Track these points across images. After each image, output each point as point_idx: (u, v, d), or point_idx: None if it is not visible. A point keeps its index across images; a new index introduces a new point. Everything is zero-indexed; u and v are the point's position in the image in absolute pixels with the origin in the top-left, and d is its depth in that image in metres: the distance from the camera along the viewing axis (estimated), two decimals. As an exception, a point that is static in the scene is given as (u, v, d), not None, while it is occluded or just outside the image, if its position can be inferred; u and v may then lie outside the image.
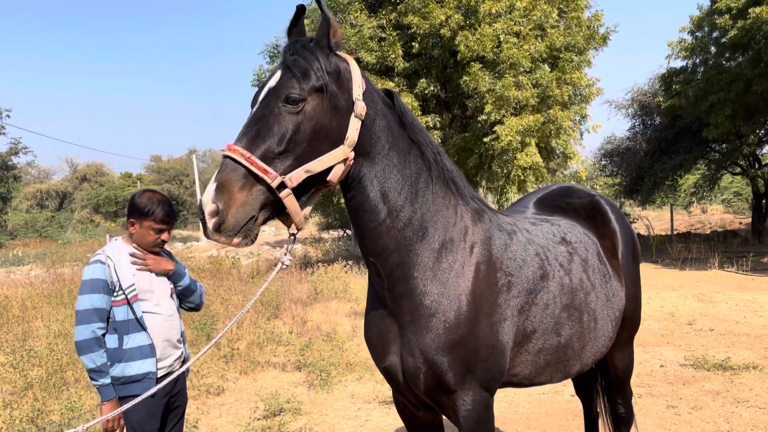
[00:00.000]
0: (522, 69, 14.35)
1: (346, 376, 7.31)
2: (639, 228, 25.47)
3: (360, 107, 2.34)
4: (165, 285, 3.52)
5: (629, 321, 3.59)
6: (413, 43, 15.03)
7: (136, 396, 3.24)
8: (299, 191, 2.25)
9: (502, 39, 14.45)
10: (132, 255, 3.42)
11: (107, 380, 3.30)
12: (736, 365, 6.83)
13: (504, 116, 14.34)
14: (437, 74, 15.75)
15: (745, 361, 6.97)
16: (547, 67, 14.72)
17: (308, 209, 2.33)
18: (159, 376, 3.39)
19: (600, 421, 4.15)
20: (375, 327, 2.73)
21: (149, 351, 3.35)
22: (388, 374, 2.74)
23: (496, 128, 14.36)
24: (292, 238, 2.36)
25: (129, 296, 3.32)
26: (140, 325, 3.35)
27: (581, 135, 16.99)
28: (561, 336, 2.95)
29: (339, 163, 2.30)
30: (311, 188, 2.32)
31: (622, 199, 25.69)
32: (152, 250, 3.46)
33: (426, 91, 15.33)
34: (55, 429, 5.51)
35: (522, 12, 14.77)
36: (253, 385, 7.32)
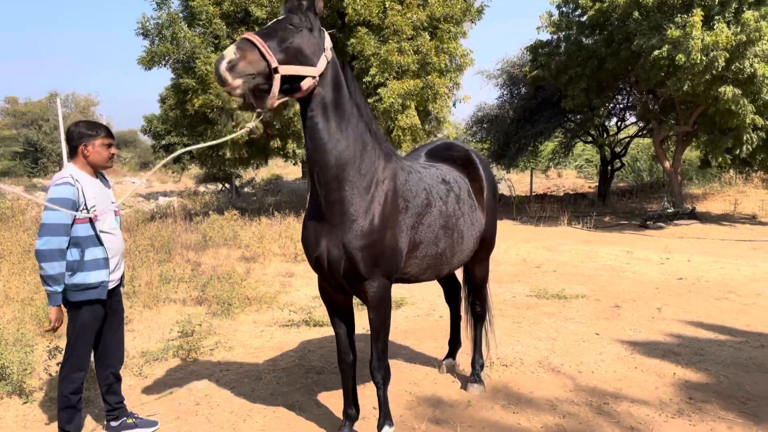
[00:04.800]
0: (404, 36, 15.40)
1: (246, 309, 8.14)
2: (503, 189, 27.65)
3: (329, 52, 3.34)
4: (112, 208, 4.17)
5: (487, 242, 4.84)
6: (303, 3, 15.57)
7: (93, 300, 4.00)
8: (281, 85, 3.16)
9: (387, 6, 15.39)
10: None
11: (59, 288, 3.84)
12: (569, 295, 8.46)
13: (387, 79, 15.39)
14: (325, 34, 16.43)
15: (576, 293, 8.62)
16: (427, 36, 15.85)
17: (278, 101, 3.21)
18: (109, 287, 4.07)
19: (462, 322, 5.40)
20: (312, 228, 3.71)
21: (104, 263, 3.99)
22: (318, 263, 3.73)
23: (379, 90, 15.39)
24: (260, 114, 3.29)
25: (92, 215, 3.91)
26: (98, 241, 3.97)
27: (454, 104, 18.31)
28: (438, 247, 4.07)
29: (309, 77, 3.25)
30: (288, 92, 3.25)
31: (491, 163, 27.47)
32: (106, 166, 4.08)
33: (314, 51, 15.97)
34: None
35: (406, -19, 15.72)
36: (157, 317, 7.94)
